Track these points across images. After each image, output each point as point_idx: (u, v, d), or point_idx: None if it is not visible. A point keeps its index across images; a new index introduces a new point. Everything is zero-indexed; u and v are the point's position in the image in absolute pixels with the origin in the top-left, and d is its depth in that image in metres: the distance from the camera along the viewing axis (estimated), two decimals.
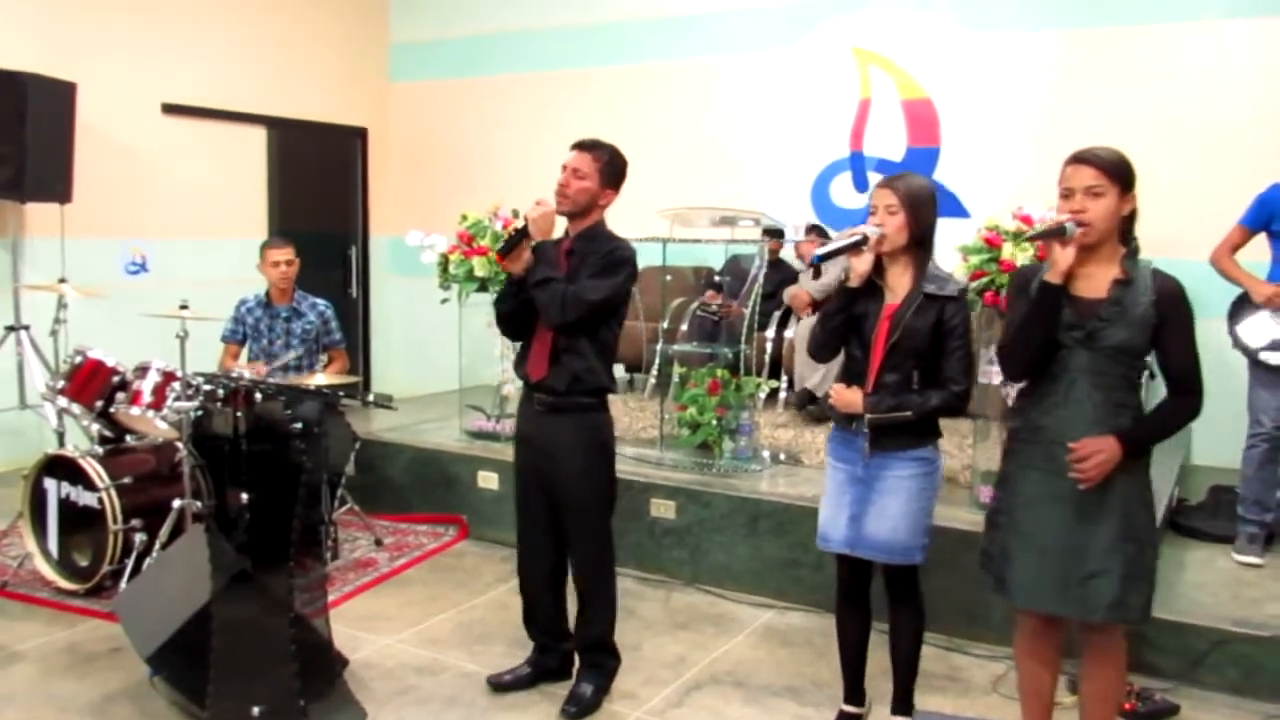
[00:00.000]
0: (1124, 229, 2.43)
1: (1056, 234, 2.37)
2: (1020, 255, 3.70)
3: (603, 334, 3.08)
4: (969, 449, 4.43)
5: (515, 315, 3.13)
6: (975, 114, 6.07)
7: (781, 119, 6.66)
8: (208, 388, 2.96)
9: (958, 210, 6.12)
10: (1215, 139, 5.48)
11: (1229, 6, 5.48)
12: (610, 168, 3.07)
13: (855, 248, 2.73)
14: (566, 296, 2.95)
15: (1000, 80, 5.99)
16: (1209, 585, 3.80)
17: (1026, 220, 3.75)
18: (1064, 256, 2.36)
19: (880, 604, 2.97)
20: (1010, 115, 5.94)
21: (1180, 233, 5.26)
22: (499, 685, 3.29)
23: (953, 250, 4.00)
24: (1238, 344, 4.13)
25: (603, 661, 3.23)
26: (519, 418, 3.25)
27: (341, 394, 2.64)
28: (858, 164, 6.41)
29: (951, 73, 6.12)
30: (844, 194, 6.44)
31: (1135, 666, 3.42)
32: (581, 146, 3.08)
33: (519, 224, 3.00)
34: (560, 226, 3.14)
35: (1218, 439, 5.06)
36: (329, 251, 7.84)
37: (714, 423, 4.61)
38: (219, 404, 2.89)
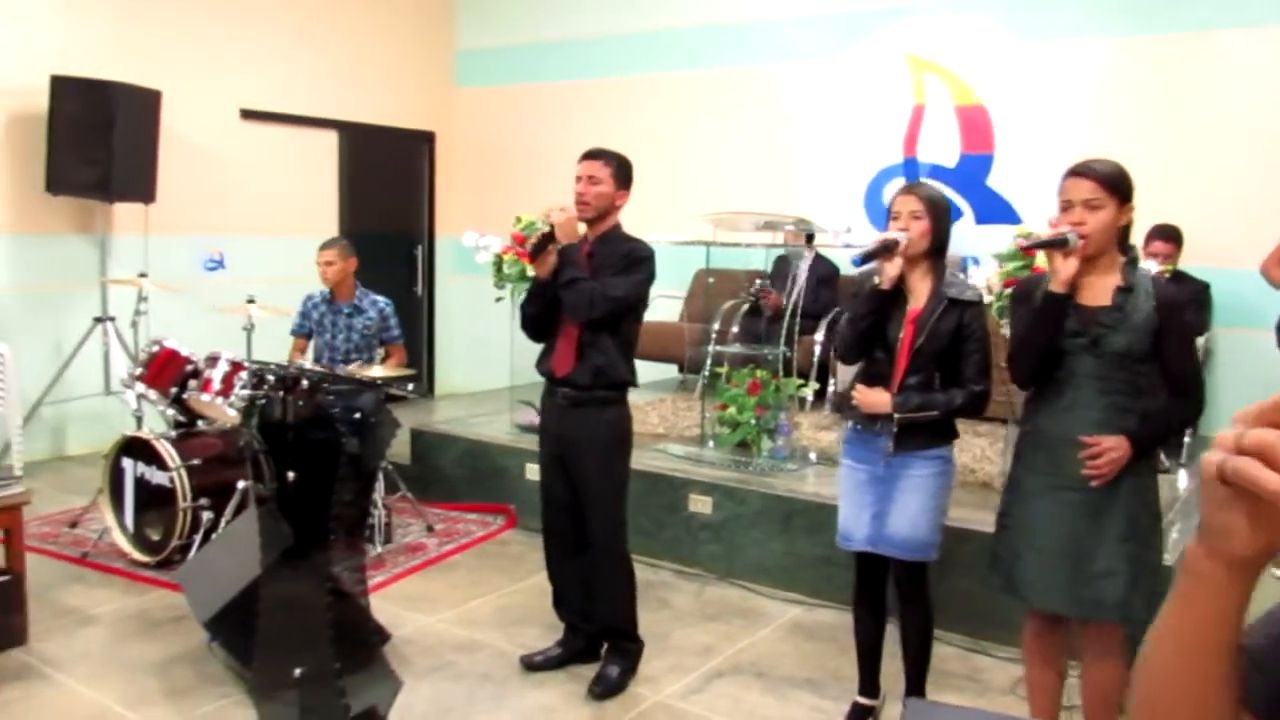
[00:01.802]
0: (1121, 238, 2.49)
1: (1059, 244, 2.44)
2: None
3: (624, 329, 3.26)
4: (1003, 455, 4.45)
5: (539, 317, 3.32)
6: (1029, 121, 6.06)
7: (835, 125, 6.72)
8: (267, 377, 3.19)
9: (1011, 216, 6.10)
10: (1269, 147, 5.40)
11: None
12: (621, 171, 3.27)
13: (887, 252, 2.80)
14: (594, 295, 3.13)
15: (1054, 87, 5.97)
16: None
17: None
18: (1066, 267, 2.44)
19: (893, 601, 3.05)
20: (1064, 122, 5.92)
21: (1234, 243, 5.22)
22: (530, 665, 3.48)
23: (988, 257, 4.07)
24: None
25: (625, 645, 3.39)
26: (543, 411, 3.44)
27: (381, 383, 2.83)
28: (911, 170, 6.43)
29: (1005, 80, 6.12)
30: None
31: None
32: (591, 155, 3.27)
33: (544, 229, 3.19)
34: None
35: None
36: (396, 251, 8.14)
37: (752, 422, 4.72)
38: (278, 392, 3.11)
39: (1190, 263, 5.20)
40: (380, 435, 2.97)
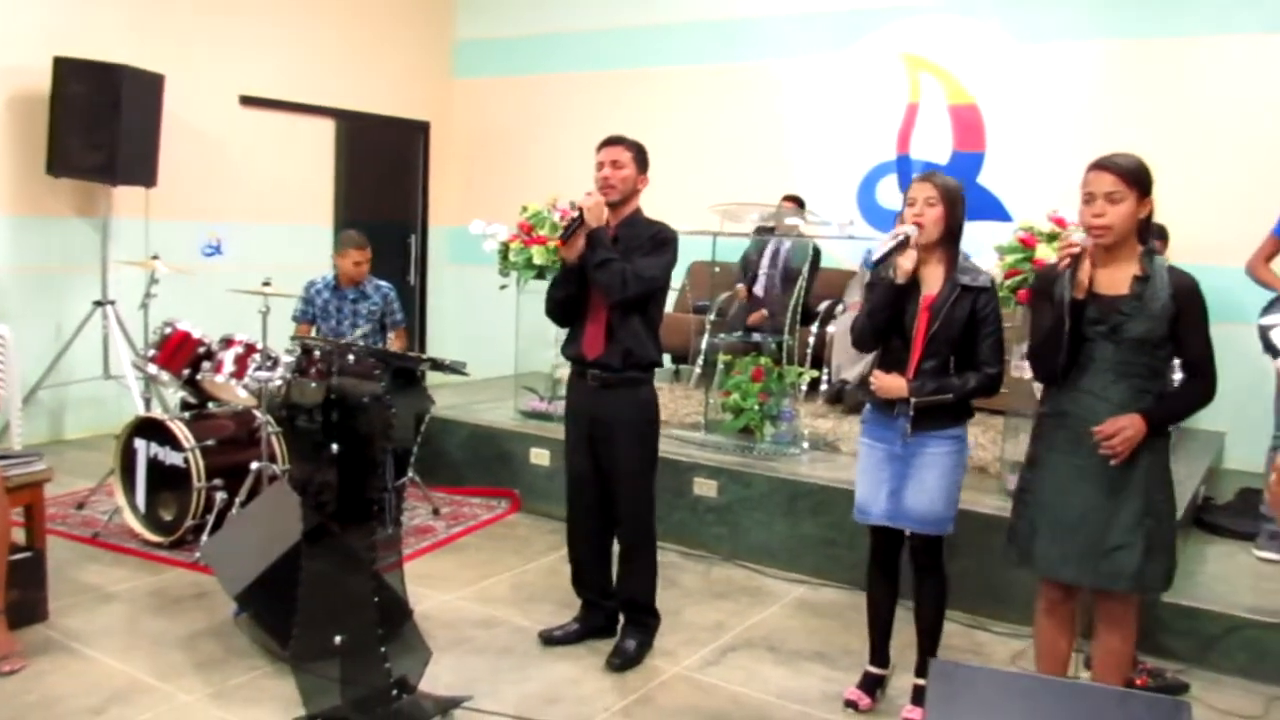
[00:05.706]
0: (1141, 230, 2.63)
1: (1079, 257, 2.57)
2: (1053, 255, 3.88)
3: (651, 311, 3.37)
4: (1000, 442, 4.61)
5: (568, 300, 3.40)
6: (1020, 120, 6.23)
7: (831, 121, 6.86)
8: (287, 359, 3.23)
9: (1000, 213, 6.28)
10: (1254, 149, 5.59)
11: (1270, 20, 5.58)
12: (640, 155, 3.40)
13: (901, 248, 2.92)
14: (626, 274, 3.23)
15: (1045, 88, 6.14)
16: (1227, 577, 3.96)
17: (1060, 222, 3.94)
18: (1084, 273, 2.58)
19: (905, 575, 3.18)
20: (1054, 122, 6.09)
21: (1219, 240, 5.40)
22: (549, 639, 3.57)
23: (990, 250, 4.21)
24: (1268, 348, 4.26)
25: (645, 620, 3.50)
26: (570, 393, 3.53)
27: (423, 361, 2.90)
28: (904, 166, 6.59)
29: (998, 80, 6.29)
30: (890, 195, 6.63)
31: (1150, 648, 3.60)
32: (612, 142, 3.38)
33: (574, 214, 3.28)
34: None
35: (1251, 442, 5.19)
36: (390, 240, 8.16)
37: (756, 408, 4.84)
38: (299, 374, 3.16)
39: (1176, 259, 5.36)
40: (418, 413, 3.02)
